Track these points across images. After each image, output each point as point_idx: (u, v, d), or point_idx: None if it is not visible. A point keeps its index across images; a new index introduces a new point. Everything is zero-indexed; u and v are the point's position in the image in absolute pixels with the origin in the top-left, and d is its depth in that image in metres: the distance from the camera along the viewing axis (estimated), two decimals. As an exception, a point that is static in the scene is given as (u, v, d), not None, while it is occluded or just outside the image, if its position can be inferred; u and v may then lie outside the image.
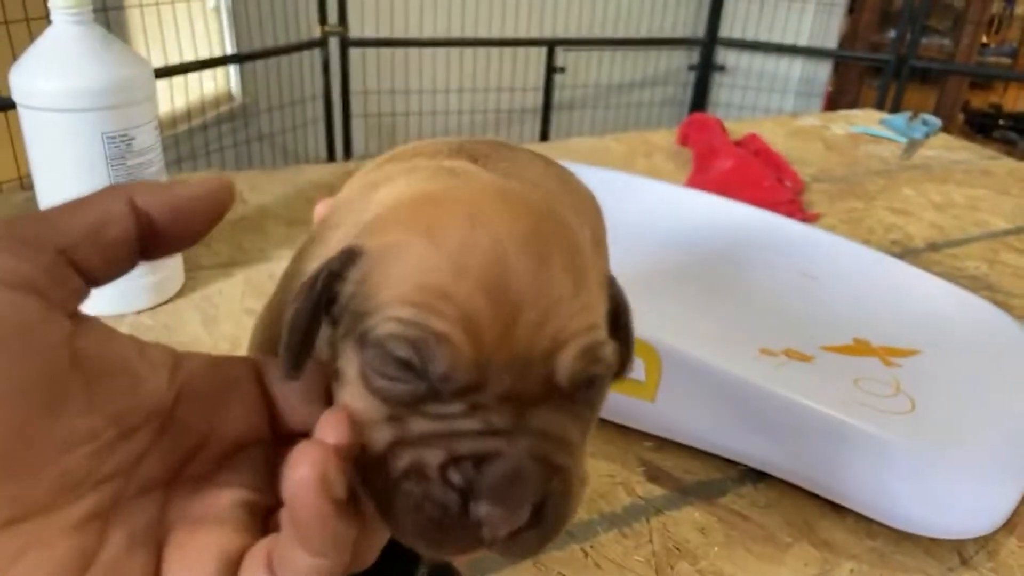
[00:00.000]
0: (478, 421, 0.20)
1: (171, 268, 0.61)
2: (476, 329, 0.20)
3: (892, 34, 2.71)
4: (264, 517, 0.23)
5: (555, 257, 0.21)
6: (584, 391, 0.22)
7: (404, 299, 0.20)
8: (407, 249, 0.21)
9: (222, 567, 0.20)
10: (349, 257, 0.22)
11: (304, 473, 0.18)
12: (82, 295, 0.22)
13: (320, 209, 0.30)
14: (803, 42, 2.64)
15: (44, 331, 0.19)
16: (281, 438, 0.24)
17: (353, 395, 0.22)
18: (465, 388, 0.20)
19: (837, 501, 0.45)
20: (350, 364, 0.22)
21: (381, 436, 0.21)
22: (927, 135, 1.14)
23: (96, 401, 0.20)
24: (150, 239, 0.23)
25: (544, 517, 0.20)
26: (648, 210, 0.69)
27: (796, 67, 2.67)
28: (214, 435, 0.23)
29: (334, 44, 2.17)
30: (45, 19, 0.52)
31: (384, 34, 2.35)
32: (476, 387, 0.20)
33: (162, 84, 1.83)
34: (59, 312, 0.20)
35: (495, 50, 2.48)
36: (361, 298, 0.21)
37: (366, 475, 0.21)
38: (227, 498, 0.22)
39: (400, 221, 0.22)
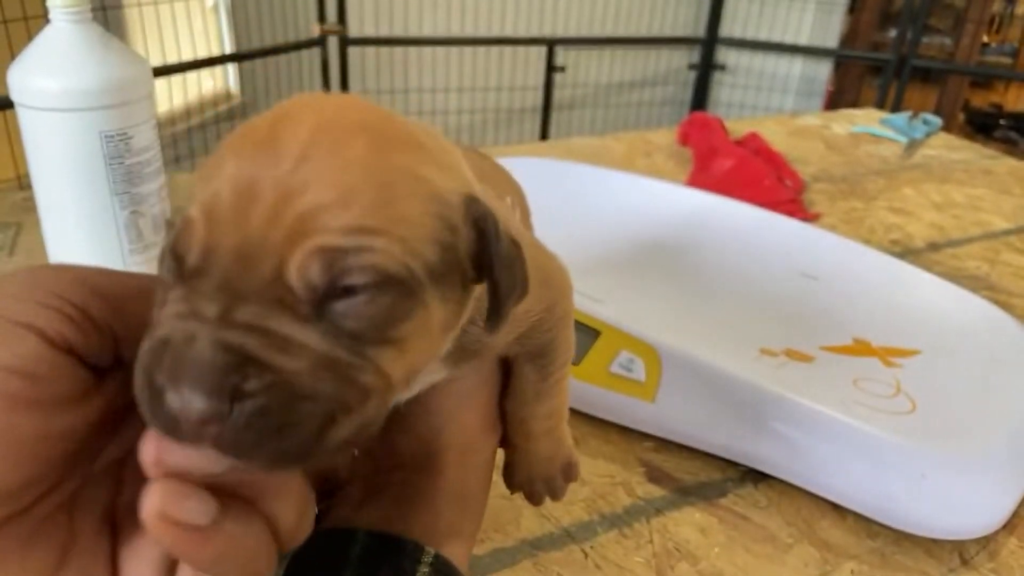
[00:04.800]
0: (186, 305, 0.19)
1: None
2: (213, 213, 0.20)
3: (893, 33, 2.70)
4: None
5: (338, 162, 0.20)
6: (342, 301, 0.19)
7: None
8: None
9: (166, 564, 0.21)
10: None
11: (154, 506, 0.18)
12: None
13: None
14: (804, 41, 2.64)
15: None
16: None
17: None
18: (193, 272, 0.20)
19: (837, 501, 0.45)
20: None
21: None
22: (928, 134, 1.14)
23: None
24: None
25: (246, 414, 0.18)
26: (648, 209, 0.68)
27: (797, 66, 2.67)
28: None
29: (333, 43, 2.17)
30: (43, 18, 0.52)
31: (383, 33, 2.34)
32: (201, 272, 0.19)
33: (160, 83, 1.83)
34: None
35: (495, 49, 2.47)
36: None
37: None
38: None
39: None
